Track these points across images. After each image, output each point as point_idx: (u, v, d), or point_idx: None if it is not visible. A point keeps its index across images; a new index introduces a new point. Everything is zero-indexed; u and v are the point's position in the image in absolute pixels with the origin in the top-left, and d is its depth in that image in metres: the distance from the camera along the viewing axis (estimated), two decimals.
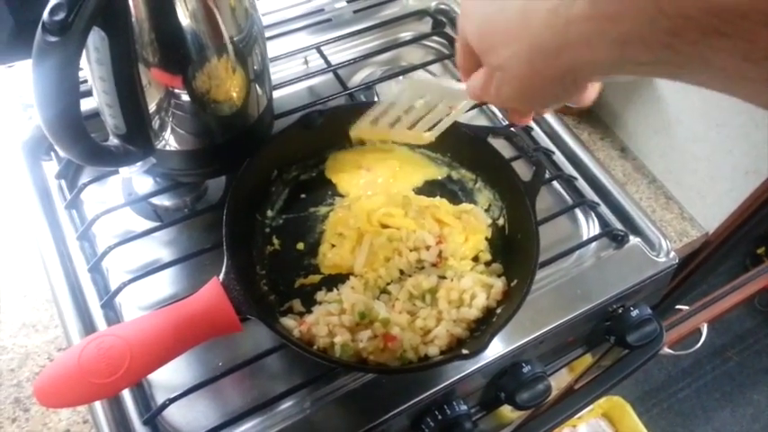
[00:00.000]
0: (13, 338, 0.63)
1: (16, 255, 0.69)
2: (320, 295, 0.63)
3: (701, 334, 1.26)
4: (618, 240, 0.74)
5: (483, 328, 0.61)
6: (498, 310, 0.61)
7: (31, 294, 0.66)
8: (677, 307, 1.15)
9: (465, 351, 0.56)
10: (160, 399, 0.59)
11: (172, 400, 0.57)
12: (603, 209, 0.77)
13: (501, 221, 0.69)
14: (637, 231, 0.75)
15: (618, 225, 0.75)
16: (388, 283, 0.64)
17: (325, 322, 0.59)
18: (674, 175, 0.83)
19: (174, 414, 0.59)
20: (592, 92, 0.43)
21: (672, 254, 0.73)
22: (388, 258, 0.65)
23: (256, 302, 0.58)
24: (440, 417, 0.62)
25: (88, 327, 0.63)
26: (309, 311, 0.61)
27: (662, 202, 0.83)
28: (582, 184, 0.80)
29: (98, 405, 0.57)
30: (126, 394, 0.58)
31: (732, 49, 0.26)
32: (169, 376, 0.60)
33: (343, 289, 0.63)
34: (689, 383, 1.84)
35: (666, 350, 1.26)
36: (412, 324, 0.60)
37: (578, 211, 0.78)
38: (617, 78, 0.39)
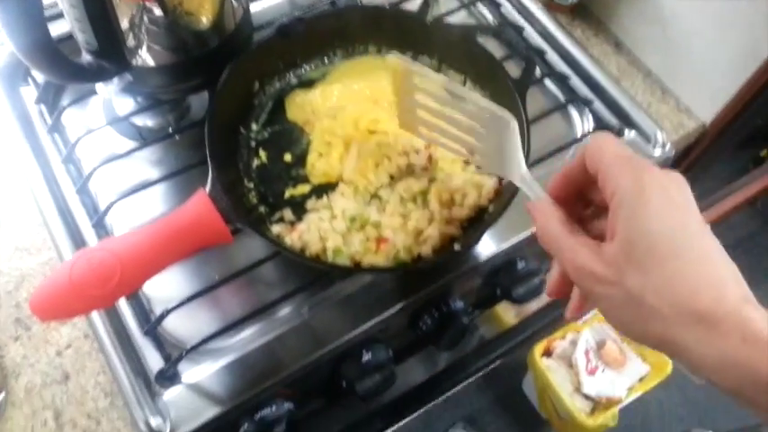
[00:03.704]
0: (8, 262, 0.63)
1: (3, 182, 0.69)
2: (310, 203, 0.62)
3: None
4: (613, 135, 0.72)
5: (476, 226, 0.60)
6: (490, 208, 0.61)
7: (22, 219, 0.66)
8: None
9: (457, 246, 0.56)
10: (159, 311, 0.59)
11: (169, 311, 0.57)
12: (598, 105, 0.75)
13: None
14: (632, 125, 0.73)
15: (613, 121, 0.74)
16: (378, 189, 0.63)
17: (317, 228, 0.59)
18: (670, 67, 0.80)
19: (174, 324, 0.59)
20: None
21: (668, 146, 0.71)
22: (378, 164, 0.64)
23: (247, 214, 0.58)
24: (436, 314, 0.63)
25: (80, 247, 0.63)
26: (300, 220, 0.61)
27: (658, 95, 0.80)
28: (576, 82, 0.77)
29: (97, 319, 0.58)
30: (125, 308, 0.59)
31: None
32: (166, 290, 0.61)
33: (333, 196, 0.62)
34: None
35: None
36: (404, 226, 0.60)
37: (572, 110, 0.76)
38: None
